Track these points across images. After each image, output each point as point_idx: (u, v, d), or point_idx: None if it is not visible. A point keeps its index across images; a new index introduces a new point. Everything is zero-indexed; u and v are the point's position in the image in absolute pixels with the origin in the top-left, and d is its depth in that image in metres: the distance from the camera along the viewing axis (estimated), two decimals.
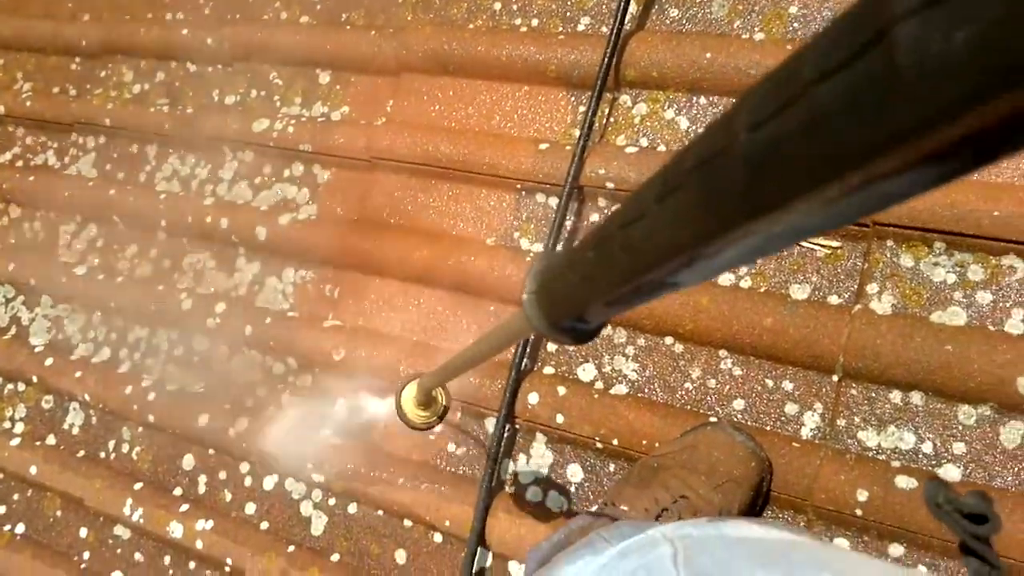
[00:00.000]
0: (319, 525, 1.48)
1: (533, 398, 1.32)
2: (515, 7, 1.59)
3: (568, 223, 1.42)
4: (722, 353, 1.26)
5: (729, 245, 0.35)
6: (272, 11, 1.85)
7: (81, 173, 1.99)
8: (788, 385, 1.21)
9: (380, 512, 1.43)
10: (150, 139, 1.90)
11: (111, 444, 1.72)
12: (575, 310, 0.54)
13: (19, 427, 1.84)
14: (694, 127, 1.38)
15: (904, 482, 1.08)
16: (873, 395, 1.16)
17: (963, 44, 0.21)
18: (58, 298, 1.90)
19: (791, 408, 1.20)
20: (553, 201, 1.45)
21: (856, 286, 1.21)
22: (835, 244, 1.24)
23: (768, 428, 1.21)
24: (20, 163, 2.09)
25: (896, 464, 1.11)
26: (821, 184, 0.28)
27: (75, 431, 1.78)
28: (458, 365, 0.95)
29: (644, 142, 1.41)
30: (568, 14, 1.54)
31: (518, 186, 1.48)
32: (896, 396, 1.14)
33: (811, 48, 0.27)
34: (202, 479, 1.60)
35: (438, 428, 1.24)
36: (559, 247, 1.40)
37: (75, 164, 2.01)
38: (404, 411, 1.15)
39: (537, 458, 1.34)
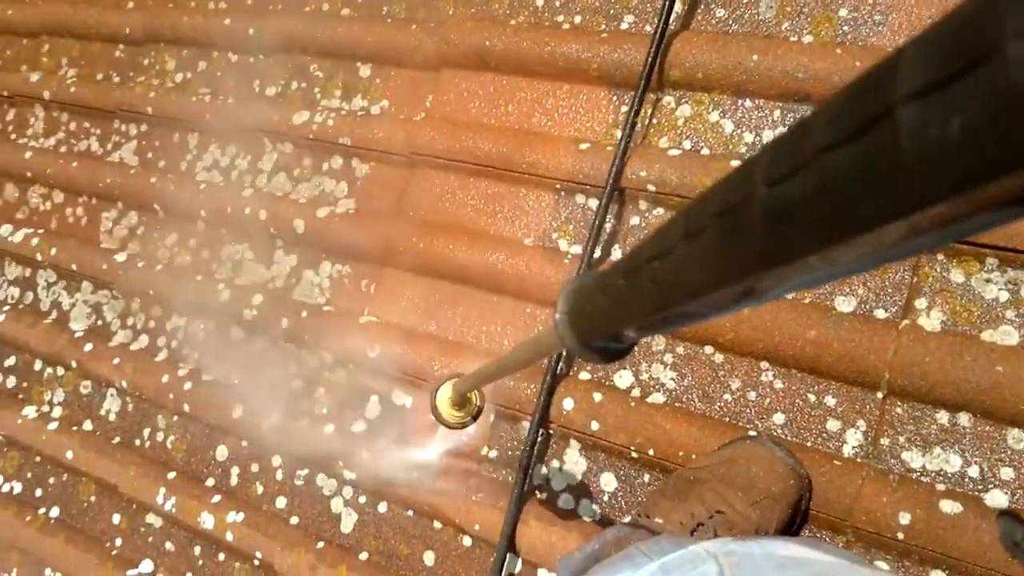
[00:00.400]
0: (349, 523, 1.47)
1: (568, 403, 1.30)
2: (558, 4, 1.57)
3: (608, 225, 1.40)
4: (763, 365, 1.23)
5: (750, 288, 0.37)
6: (314, 2, 1.84)
7: (123, 160, 2.00)
8: (831, 400, 1.18)
9: (410, 512, 1.42)
10: (191, 128, 1.91)
11: (146, 432, 1.73)
12: (606, 332, 0.56)
13: (57, 411, 1.86)
14: (739, 131, 1.35)
15: (949, 507, 1.05)
16: (919, 414, 1.13)
17: (959, 132, 0.23)
18: (98, 284, 1.91)
19: (833, 424, 1.17)
20: (593, 203, 1.43)
21: (904, 300, 1.17)
22: None
23: (808, 444, 1.18)
24: (64, 149, 2.11)
25: (941, 487, 1.08)
26: (833, 243, 0.30)
27: (112, 417, 1.79)
28: (492, 372, 0.95)
29: (687, 144, 1.38)
30: (612, 12, 1.51)
31: (557, 186, 1.45)
32: (943, 416, 1.11)
33: (823, 115, 0.29)
34: (235, 471, 1.61)
35: (471, 428, 1.23)
36: (593, 261, 1.38)
37: (117, 151, 2.02)
38: (439, 410, 1.15)
39: (570, 465, 1.33)
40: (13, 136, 2.21)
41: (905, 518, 1.06)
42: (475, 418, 1.17)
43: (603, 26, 1.51)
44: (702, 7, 1.43)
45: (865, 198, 0.27)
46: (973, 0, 0.23)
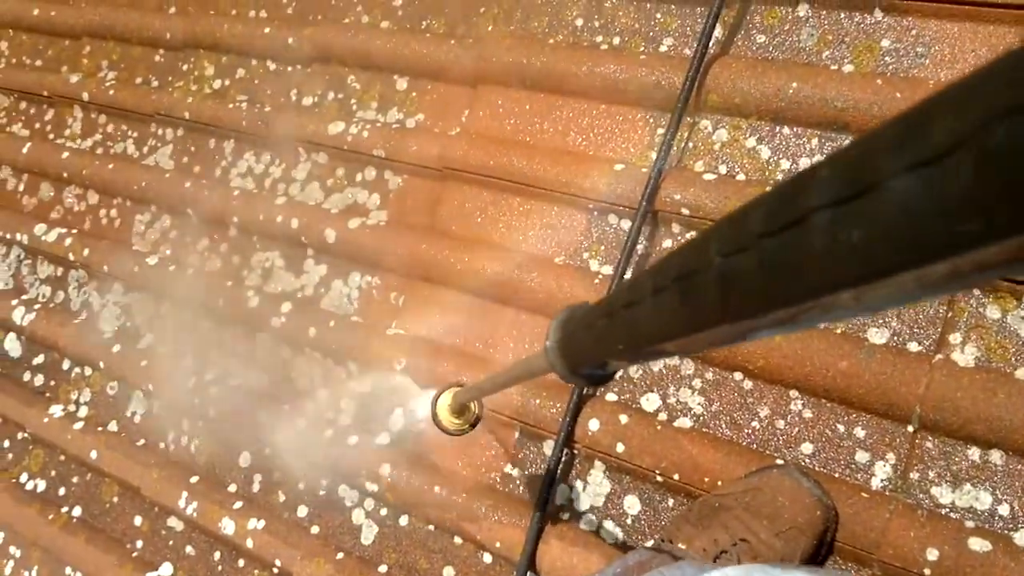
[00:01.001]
0: (369, 535, 1.47)
1: (594, 424, 1.30)
2: (597, 24, 1.57)
3: (640, 247, 1.40)
4: (793, 393, 1.22)
5: (707, 337, 0.46)
6: (354, 15, 1.86)
7: (159, 164, 2.02)
8: (860, 432, 1.17)
9: (431, 527, 1.42)
10: (227, 135, 1.92)
11: (171, 435, 1.74)
12: (589, 361, 0.67)
13: (83, 411, 1.88)
14: (776, 157, 1.35)
15: (978, 544, 1.04)
16: (950, 450, 1.11)
17: (858, 240, 0.30)
18: (130, 286, 1.93)
19: (862, 456, 1.16)
20: (626, 224, 1.43)
21: (938, 334, 1.16)
22: None
23: (836, 475, 1.17)
24: (100, 150, 2.13)
25: (970, 524, 1.07)
26: (772, 309, 0.38)
27: (137, 419, 1.81)
28: (488, 387, 1.07)
29: (723, 169, 1.38)
30: (651, 34, 1.52)
31: (590, 206, 1.45)
32: (974, 453, 1.10)
33: (762, 207, 0.38)
34: (257, 478, 1.61)
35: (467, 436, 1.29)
36: (623, 282, 1.38)
37: (153, 155, 2.04)
38: (439, 417, 1.22)
39: (594, 486, 1.32)
40: (51, 136, 2.24)
41: (933, 554, 1.05)
42: (473, 426, 1.25)
43: (642, 48, 1.51)
44: (742, 32, 1.43)
45: (787, 279, 0.36)
46: (865, 141, 0.32)
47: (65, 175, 2.11)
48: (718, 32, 1.44)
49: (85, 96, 2.16)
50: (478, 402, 1.25)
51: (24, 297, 2.07)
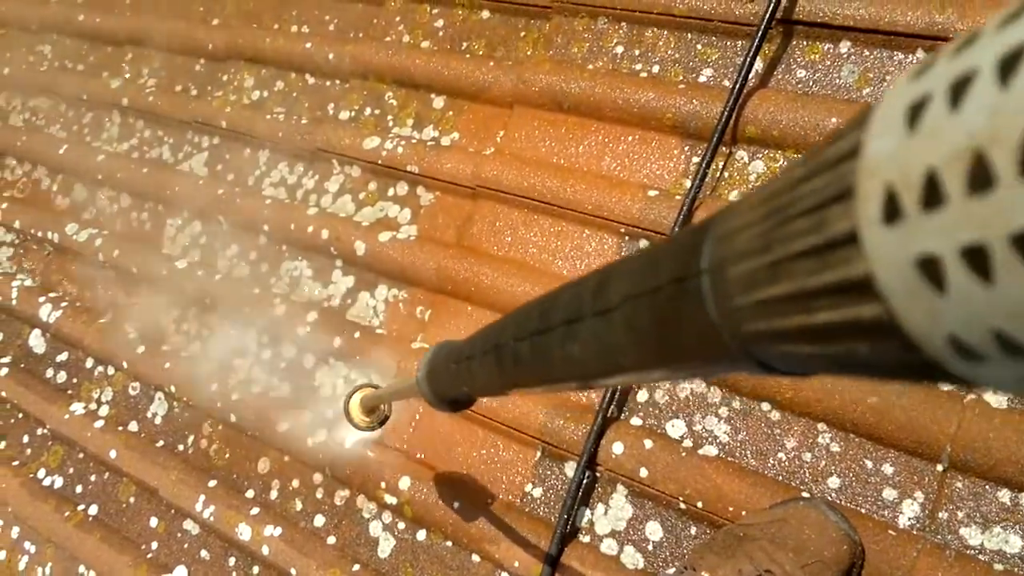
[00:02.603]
0: (386, 547, 1.47)
1: (617, 448, 1.30)
2: (637, 52, 1.58)
3: None
4: (821, 427, 1.22)
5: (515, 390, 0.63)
6: (395, 33, 1.88)
7: (193, 170, 2.04)
8: (888, 469, 1.16)
9: (449, 543, 1.41)
10: (263, 145, 1.94)
11: (190, 438, 1.74)
12: (451, 393, 0.84)
13: (104, 410, 1.88)
14: None
15: None
16: (980, 491, 1.10)
17: (574, 351, 0.44)
18: (156, 289, 1.94)
19: (890, 493, 1.15)
20: None
21: None
22: None
23: (863, 511, 1.16)
24: (136, 155, 2.16)
25: (999, 567, 1.05)
26: (538, 383, 0.58)
27: (157, 420, 1.81)
28: (383, 396, 1.29)
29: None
30: (691, 64, 1.53)
31: (622, 230, 1.46)
32: (1005, 495, 1.08)
33: (532, 310, 0.56)
34: (275, 484, 1.61)
35: (377, 433, 1.47)
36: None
37: (188, 161, 2.06)
38: (351, 414, 1.37)
39: (616, 510, 1.31)
40: (88, 138, 2.27)
41: None
42: (381, 423, 1.41)
43: (681, 77, 1.52)
44: (783, 66, 1.43)
45: (539, 366, 0.53)
46: (573, 289, 0.45)
47: (100, 177, 2.14)
48: (758, 65, 1.45)
49: (124, 101, 2.19)
50: (388, 404, 1.40)
51: (51, 295, 2.08)
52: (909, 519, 1.13)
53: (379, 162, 1.74)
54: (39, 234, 2.15)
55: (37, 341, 2.06)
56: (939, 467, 1.13)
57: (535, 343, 0.53)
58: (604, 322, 0.43)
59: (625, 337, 0.42)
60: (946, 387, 1.16)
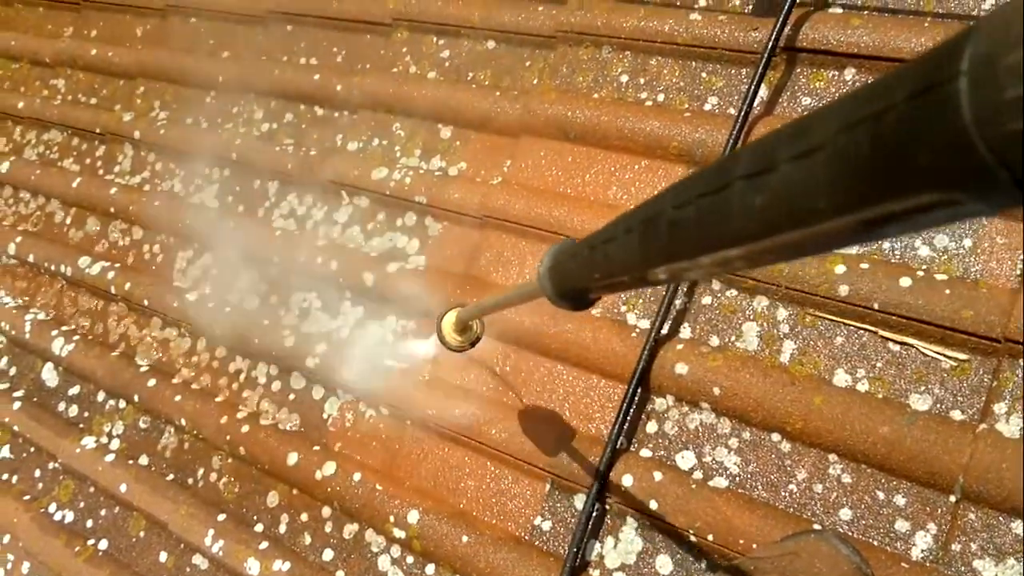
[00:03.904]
0: None
1: (627, 480, 1.28)
2: (642, 81, 1.58)
3: (678, 302, 1.39)
4: (832, 458, 1.20)
5: (660, 271, 0.60)
6: (402, 64, 1.89)
7: (204, 203, 2.05)
8: (900, 500, 1.14)
9: None
10: (272, 176, 1.95)
11: (200, 472, 1.74)
12: (574, 287, 0.79)
13: (115, 444, 1.89)
14: None
15: None
16: (993, 522, 1.08)
17: (759, 204, 0.43)
18: (167, 321, 1.95)
19: (902, 525, 1.13)
20: None
21: (982, 404, 1.14)
22: (962, 357, 1.17)
23: (875, 544, 1.14)
24: (147, 187, 2.17)
25: None
26: (700, 253, 0.52)
27: (167, 454, 1.81)
28: (485, 307, 1.23)
29: None
30: (696, 92, 1.53)
31: None
32: (1018, 527, 1.07)
33: (700, 175, 0.52)
34: (284, 518, 1.60)
35: (468, 352, 1.40)
36: (660, 336, 1.37)
37: (199, 193, 2.07)
38: (443, 333, 1.35)
39: (626, 543, 1.30)
40: (101, 171, 2.29)
41: None
42: (473, 344, 1.37)
43: (686, 105, 1.52)
44: (788, 93, 1.43)
45: (713, 228, 0.49)
46: (774, 135, 0.43)
47: (112, 210, 2.15)
48: (763, 92, 1.45)
49: (136, 134, 2.21)
50: (480, 323, 1.37)
51: (64, 328, 2.09)
52: (922, 551, 1.11)
53: (387, 192, 1.74)
54: (52, 267, 2.17)
55: (50, 374, 2.07)
56: (952, 498, 1.11)
57: (704, 205, 0.50)
58: (802, 165, 0.41)
59: (830, 176, 0.39)
60: (958, 416, 1.15)
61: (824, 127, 0.40)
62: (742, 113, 1.39)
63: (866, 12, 1.41)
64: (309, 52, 2.07)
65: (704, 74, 1.53)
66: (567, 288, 0.80)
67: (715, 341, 1.35)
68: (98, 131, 2.31)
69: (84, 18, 2.58)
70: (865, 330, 1.24)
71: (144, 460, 1.83)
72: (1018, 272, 1.18)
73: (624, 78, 1.60)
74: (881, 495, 1.16)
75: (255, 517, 1.64)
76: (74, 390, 2.02)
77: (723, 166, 0.49)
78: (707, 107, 1.51)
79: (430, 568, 1.43)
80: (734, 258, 0.50)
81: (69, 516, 1.86)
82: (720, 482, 1.26)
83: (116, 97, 2.38)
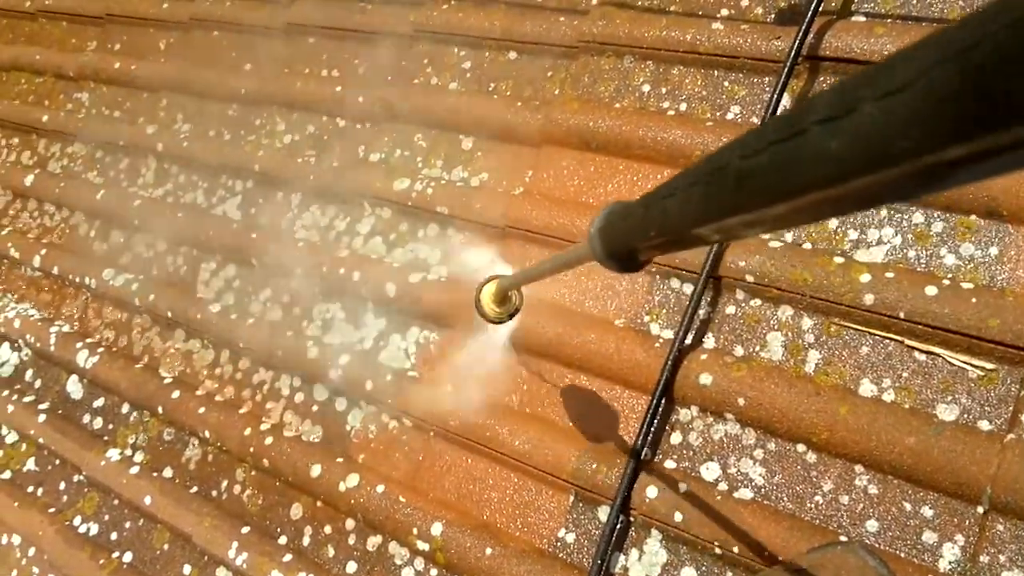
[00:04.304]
0: None
1: (651, 491, 1.28)
2: (664, 90, 1.58)
3: (702, 312, 1.39)
4: (858, 468, 1.19)
5: (717, 228, 0.58)
6: (423, 75, 1.90)
7: (226, 214, 2.06)
8: (928, 511, 1.13)
9: None
10: (295, 188, 1.96)
11: (224, 484, 1.75)
12: (625, 247, 0.77)
13: (139, 456, 1.90)
14: (843, 227, 1.34)
15: None
16: (1022, 533, 1.07)
17: (835, 147, 0.42)
18: (191, 333, 1.96)
19: (929, 536, 1.12)
20: (688, 288, 1.42)
21: (1010, 414, 1.13)
22: (989, 366, 1.16)
23: (902, 555, 1.13)
24: (171, 199, 2.19)
25: None
26: (772, 203, 0.50)
27: (191, 466, 1.82)
28: (530, 274, 1.23)
29: (789, 237, 1.37)
30: (719, 101, 1.52)
31: (653, 269, 1.45)
32: None
33: (773, 124, 0.49)
34: (308, 530, 1.61)
35: (510, 324, 1.42)
36: (684, 347, 1.37)
37: (222, 205, 2.09)
38: (482, 304, 1.35)
39: (650, 555, 1.29)
40: (124, 184, 2.31)
41: None
42: (511, 316, 1.37)
43: (708, 115, 1.52)
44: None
45: (787, 175, 0.47)
46: (852, 78, 0.42)
47: (136, 222, 2.17)
48: (786, 101, 1.44)
49: (160, 147, 2.23)
50: (519, 294, 1.37)
51: (88, 340, 2.11)
52: (950, 563, 1.10)
53: (409, 203, 1.75)
54: (77, 279, 2.19)
55: (75, 387, 2.09)
56: (979, 509, 1.10)
57: (775, 152, 0.48)
58: (886, 105, 0.40)
59: (916, 114, 0.38)
60: (985, 426, 1.13)
61: (910, 65, 0.39)
62: (765, 122, 1.38)
63: (889, 20, 1.41)
64: (331, 64, 2.08)
65: (727, 83, 1.52)
66: (617, 248, 0.79)
67: (739, 351, 1.34)
68: (122, 144, 2.33)
69: (108, 32, 2.61)
70: (891, 339, 1.23)
71: (168, 472, 1.84)
72: None
73: (646, 87, 1.60)
74: (908, 506, 1.15)
75: (279, 529, 1.64)
76: (98, 402, 2.04)
77: (795, 114, 0.47)
78: (730, 116, 1.51)
79: None
80: (799, 209, 0.49)
81: (94, 529, 1.87)
82: (745, 493, 1.26)
83: (139, 110, 2.40)
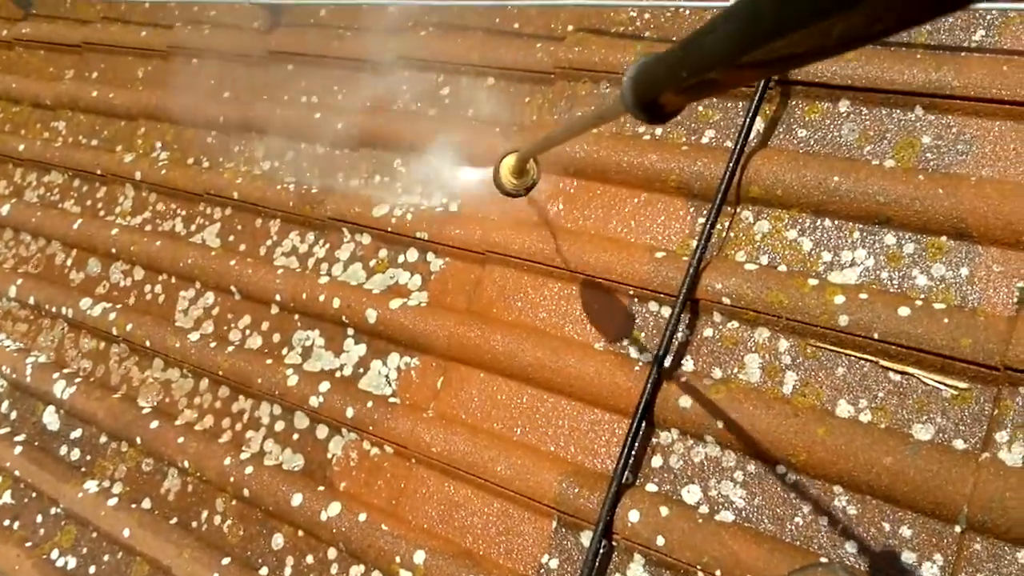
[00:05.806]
0: None
1: (634, 515, 1.28)
2: None
3: (680, 335, 1.40)
4: (836, 489, 1.20)
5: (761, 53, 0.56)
6: (402, 102, 1.91)
7: (205, 242, 2.06)
8: (906, 531, 1.14)
9: None
10: (274, 214, 1.96)
11: (204, 514, 1.74)
12: (657, 94, 0.76)
13: (118, 487, 1.88)
14: (817, 249, 1.35)
15: None
16: (999, 552, 1.08)
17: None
18: (169, 362, 1.95)
19: (908, 556, 1.13)
20: (666, 311, 1.43)
21: (984, 432, 1.14)
22: (962, 385, 1.18)
23: None
24: (148, 227, 2.18)
25: None
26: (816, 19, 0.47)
27: (171, 497, 1.80)
28: (554, 138, 1.18)
29: (764, 260, 1.38)
30: (693, 126, 1.54)
31: (631, 292, 1.46)
32: (1023, 556, 1.07)
33: None
34: (289, 561, 1.60)
35: (523, 198, 1.47)
36: (663, 369, 1.38)
37: (200, 233, 2.08)
38: (500, 176, 1.38)
39: None
40: (102, 212, 2.30)
41: None
42: (528, 189, 1.41)
43: (683, 139, 1.54)
44: (783, 126, 1.45)
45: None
46: None
47: (113, 251, 2.16)
48: (759, 125, 1.46)
49: (137, 175, 2.22)
50: (537, 170, 1.41)
51: (65, 371, 2.09)
52: None
53: (388, 229, 1.75)
54: (53, 309, 2.18)
55: (51, 418, 2.07)
56: (957, 528, 1.11)
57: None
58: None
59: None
60: (960, 445, 1.15)
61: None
62: (738, 146, 1.40)
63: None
64: (309, 91, 2.09)
65: (701, 108, 1.54)
66: (649, 97, 0.78)
67: (718, 373, 1.35)
68: (99, 172, 2.33)
69: (86, 60, 2.61)
70: (866, 360, 1.25)
71: (147, 504, 1.83)
72: (1015, 300, 1.19)
73: None
74: (887, 526, 1.16)
75: (260, 560, 1.63)
76: (76, 433, 2.02)
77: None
78: (704, 140, 1.52)
79: None
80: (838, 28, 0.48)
81: (72, 562, 1.85)
82: (726, 516, 1.26)
83: (117, 138, 2.40)
